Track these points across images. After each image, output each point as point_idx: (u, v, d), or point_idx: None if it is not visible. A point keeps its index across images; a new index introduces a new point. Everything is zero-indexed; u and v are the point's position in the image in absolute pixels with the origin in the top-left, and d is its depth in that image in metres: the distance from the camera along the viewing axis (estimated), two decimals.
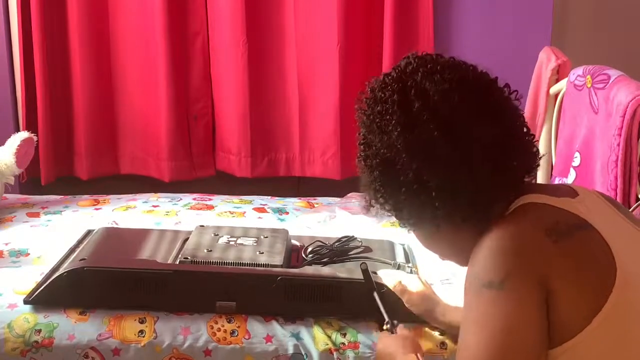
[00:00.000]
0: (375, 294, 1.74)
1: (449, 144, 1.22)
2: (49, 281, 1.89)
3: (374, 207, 1.34)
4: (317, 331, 1.82)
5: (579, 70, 2.39)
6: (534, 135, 1.33)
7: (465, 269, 1.26)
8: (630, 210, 1.91)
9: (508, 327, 1.14)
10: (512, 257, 1.16)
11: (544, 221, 1.20)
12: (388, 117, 1.25)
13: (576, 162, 2.32)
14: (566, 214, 1.22)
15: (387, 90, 1.27)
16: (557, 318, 1.16)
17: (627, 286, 1.18)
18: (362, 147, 1.31)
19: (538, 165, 1.32)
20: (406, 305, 1.79)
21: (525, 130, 1.30)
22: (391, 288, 1.81)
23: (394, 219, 1.37)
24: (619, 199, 2.01)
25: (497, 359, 1.14)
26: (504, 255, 1.16)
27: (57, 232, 2.37)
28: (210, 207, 2.66)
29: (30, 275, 2.01)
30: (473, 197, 1.24)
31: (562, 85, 2.55)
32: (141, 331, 1.81)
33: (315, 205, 2.74)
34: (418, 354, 1.45)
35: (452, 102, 1.23)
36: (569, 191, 1.29)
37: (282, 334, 1.81)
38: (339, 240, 2.14)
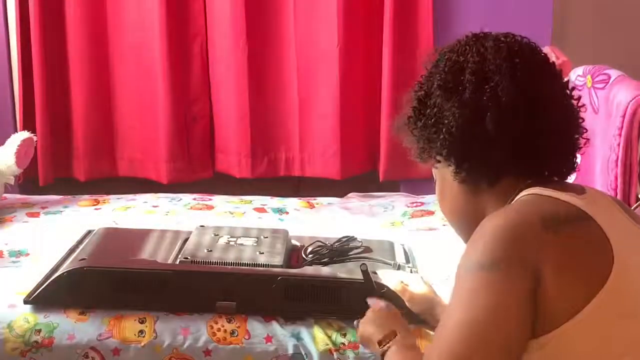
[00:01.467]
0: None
1: (475, 94, 1.28)
2: (49, 281, 1.89)
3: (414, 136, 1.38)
4: (317, 331, 1.82)
5: (579, 70, 2.39)
6: (578, 148, 1.36)
7: None
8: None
9: (493, 306, 1.15)
10: (505, 242, 1.17)
11: (543, 211, 1.22)
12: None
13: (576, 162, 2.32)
14: (567, 206, 1.23)
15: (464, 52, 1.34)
16: (546, 306, 1.16)
17: (624, 276, 1.18)
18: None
19: (567, 173, 1.34)
20: (407, 304, 1.79)
21: (574, 138, 1.34)
22: (392, 288, 1.81)
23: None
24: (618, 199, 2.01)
25: (477, 330, 1.14)
26: (497, 240, 1.18)
27: (57, 232, 2.37)
28: (210, 207, 2.66)
29: (30, 275, 2.01)
30: (480, 158, 1.29)
31: None
32: (141, 331, 1.81)
33: (316, 205, 2.74)
34: (396, 330, 1.45)
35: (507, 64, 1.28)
36: (577, 189, 1.30)
37: (282, 334, 1.81)
38: (339, 240, 2.13)
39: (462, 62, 1.32)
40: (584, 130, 1.36)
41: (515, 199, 1.29)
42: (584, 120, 1.37)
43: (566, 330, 1.16)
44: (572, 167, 1.35)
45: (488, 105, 1.27)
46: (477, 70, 1.29)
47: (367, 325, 1.52)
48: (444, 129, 1.30)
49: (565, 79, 1.36)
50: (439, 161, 1.35)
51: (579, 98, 1.37)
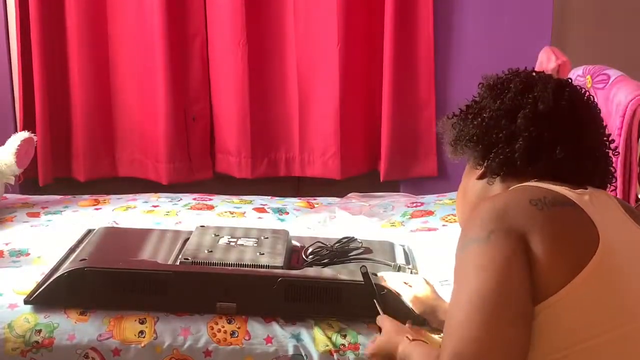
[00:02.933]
0: (376, 302, 1.74)
1: (516, 97, 1.41)
2: (49, 281, 1.89)
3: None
4: (318, 332, 1.82)
5: (579, 70, 2.39)
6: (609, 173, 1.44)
7: None
8: None
9: (498, 271, 1.19)
10: (496, 216, 1.25)
11: (532, 194, 1.30)
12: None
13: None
14: (556, 194, 1.30)
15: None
16: (536, 276, 1.21)
17: (608, 254, 1.23)
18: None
19: (584, 182, 1.38)
20: (409, 305, 1.79)
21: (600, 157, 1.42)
22: (394, 289, 1.81)
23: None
24: None
25: (488, 301, 1.17)
26: (489, 216, 1.26)
27: (57, 232, 2.37)
28: (211, 207, 2.66)
29: (30, 275, 2.01)
30: (501, 154, 1.39)
31: None
32: (141, 332, 1.81)
33: (316, 205, 2.74)
34: (408, 336, 1.49)
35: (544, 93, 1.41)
36: (576, 187, 1.34)
37: (283, 335, 1.81)
38: (339, 241, 2.13)
39: (512, 76, 1.47)
40: (615, 155, 1.47)
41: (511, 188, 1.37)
42: (616, 149, 1.48)
43: (553, 303, 1.20)
44: (590, 179, 1.39)
45: (524, 107, 1.39)
46: (525, 82, 1.43)
47: (381, 341, 1.55)
48: (479, 119, 1.43)
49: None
50: (466, 150, 1.46)
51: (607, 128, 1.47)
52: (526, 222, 1.24)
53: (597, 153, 1.41)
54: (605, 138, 1.43)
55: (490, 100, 1.44)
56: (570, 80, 1.47)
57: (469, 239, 1.26)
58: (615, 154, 1.47)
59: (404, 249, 2.18)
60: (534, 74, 1.47)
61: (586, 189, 1.34)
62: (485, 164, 1.43)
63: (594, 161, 1.40)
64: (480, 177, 1.45)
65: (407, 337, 1.48)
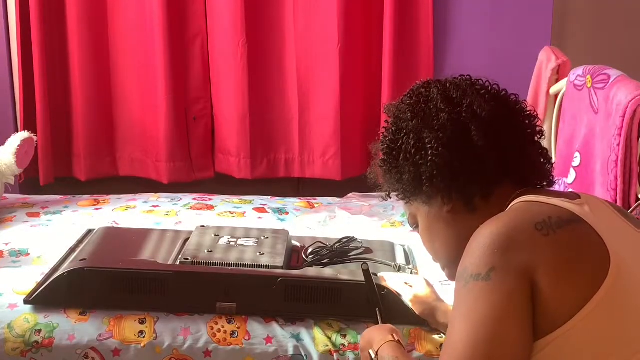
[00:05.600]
0: (378, 311, 1.75)
1: (452, 115, 1.33)
2: (49, 281, 1.89)
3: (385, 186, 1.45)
4: (318, 332, 1.82)
5: (579, 70, 2.39)
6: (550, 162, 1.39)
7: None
8: (630, 210, 1.91)
9: (494, 317, 1.15)
10: (499, 250, 1.17)
11: (536, 216, 1.22)
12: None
13: (576, 162, 2.32)
14: (559, 210, 1.24)
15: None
16: (544, 309, 1.16)
17: (620, 275, 1.18)
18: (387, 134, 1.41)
19: (551, 179, 1.38)
20: (409, 305, 1.79)
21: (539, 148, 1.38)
22: (395, 289, 1.81)
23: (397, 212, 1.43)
24: (618, 199, 2.01)
25: (482, 349, 1.14)
26: (491, 248, 1.18)
27: (57, 232, 2.37)
28: (211, 207, 2.66)
29: (30, 275, 2.01)
30: (472, 173, 1.31)
31: (562, 85, 2.55)
32: (141, 332, 1.81)
33: (315, 206, 2.74)
34: (394, 334, 1.49)
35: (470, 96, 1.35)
36: (571, 195, 1.31)
37: (282, 335, 1.81)
38: (339, 241, 2.14)
39: (426, 95, 1.37)
40: (544, 137, 1.42)
41: (509, 207, 1.30)
42: (542, 129, 1.42)
43: (568, 331, 1.16)
44: (551, 174, 1.39)
45: (469, 122, 1.32)
46: (445, 97, 1.35)
47: (367, 335, 1.55)
48: (429, 153, 1.32)
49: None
50: (424, 194, 1.36)
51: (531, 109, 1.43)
52: (532, 255, 1.17)
53: (540, 145, 1.38)
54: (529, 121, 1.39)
55: (421, 129, 1.33)
56: (468, 76, 1.40)
57: (469, 274, 1.18)
58: (542, 138, 1.40)
59: (404, 249, 2.18)
60: (431, 85, 1.39)
61: (579, 197, 1.29)
62: (454, 196, 1.33)
63: (545, 155, 1.38)
64: (450, 210, 1.35)
65: (393, 335, 1.48)
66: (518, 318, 1.15)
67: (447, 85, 1.38)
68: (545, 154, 1.39)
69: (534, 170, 1.36)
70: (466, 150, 1.31)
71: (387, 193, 1.45)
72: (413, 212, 1.42)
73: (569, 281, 1.17)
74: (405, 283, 1.85)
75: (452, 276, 1.38)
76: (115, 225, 2.44)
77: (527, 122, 1.38)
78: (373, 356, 1.47)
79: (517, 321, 1.15)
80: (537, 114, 1.41)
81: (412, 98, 1.38)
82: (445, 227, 1.37)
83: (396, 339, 1.49)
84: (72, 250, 2.11)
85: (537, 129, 1.39)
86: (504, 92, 1.40)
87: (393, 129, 1.39)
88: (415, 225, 1.44)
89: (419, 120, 1.34)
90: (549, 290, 1.16)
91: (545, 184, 1.38)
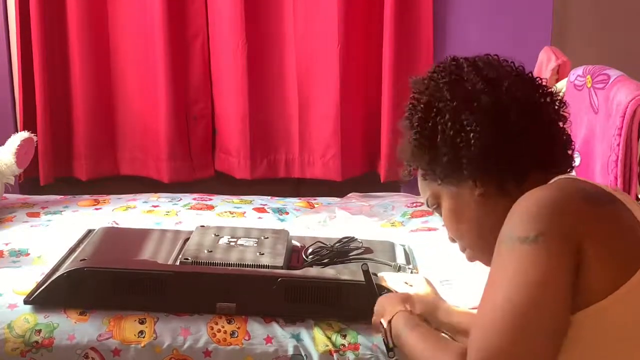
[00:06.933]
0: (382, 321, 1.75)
1: (493, 97, 1.29)
2: (49, 281, 1.89)
3: (412, 166, 1.41)
4: (318, 332, 1.82)
5: (579, 70, 2.39)
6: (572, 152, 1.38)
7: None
8: None
9: (539, 281, 1.12)
10: (548, 214, 1.16)
11: (584, 188, 1.23)
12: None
13: (576, 162, 2.31)
14: (602, 191, 1.24)
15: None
16: (587, 280, 1.14)
17: None
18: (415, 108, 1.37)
19: (568, 169, 1.35)
20: (409, 306, 1.79)
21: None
22: (395, 289, 1.81)
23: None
24: None
25: (522, 312, 1.12)
26: (540, 213, 1.16)
27: (57, 232, 2.37)
28: (211, 207, 2.66)
29: (30, 275, 2.01)
30: (510, 157, 1.28)
31: (562, 85, 2.55)
32: (141, 332, 1.81)
33: (316, 205, 2.74)
34: (407, 305, 1.50)
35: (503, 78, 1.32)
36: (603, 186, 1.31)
37: (282, 335, 1.82)
38: (339, 241, 2.13)
39: (459, 74, 1.33)
40: (570, 123, 1.40)
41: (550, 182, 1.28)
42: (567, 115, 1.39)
43: (605, 307, 1.14)
44: (574, 160, 1.37)
45: (509, 104, 1.29)
46: (483, 78, 1.31)
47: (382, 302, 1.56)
48: (471, 136, 1.28)
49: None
50: (458, 176, 1.32)
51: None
52: (580, 223, 1.15)
53: (564, 131, 1.35)
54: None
55: (461, 111, 1.29)
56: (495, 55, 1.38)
57: (515, 237, 1.15)
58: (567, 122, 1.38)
59: (404, 249, 2.18)
60: (462, 62, 1.36)
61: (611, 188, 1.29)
62: (487, 179, 1.29)
63: (570, 141, 1.36)
64: (485, 194, 1.30)
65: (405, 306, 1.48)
66: (562, 286, 1.13)
67: (480, 64, 1.35)
68: (569, 140, 1.36)
69: (564, 155, 1.34)
70: (506, 133, 1.28)
71: (412, 169, 1.41)
72: (436, 191, 1.37)
73: (612, 257, 1.15)
74: (406, 283, 1.85)
75: (472, 257, 1.38)
76: (115, 225, 2.44)
77: (556, 106, 1.35)
78: (385, 325, 1.48)
79: (560, 289, 1.13)
80: (565, 99, 1.38)
81: (445, 76, 1.33)
82: (475, 210, 1.33)
83: (408, 308, 1.48)
84: (72, 250, 2.11)
85: (563, 114, 1.36)
86: (529, 74, 1.36)
87: (422, 106, 1.34)
88: (435, 205, 1.40)
89: (458, 102, 1.29)
90: (592, 261, 1.14)
91: (568, 170, 1.35)
